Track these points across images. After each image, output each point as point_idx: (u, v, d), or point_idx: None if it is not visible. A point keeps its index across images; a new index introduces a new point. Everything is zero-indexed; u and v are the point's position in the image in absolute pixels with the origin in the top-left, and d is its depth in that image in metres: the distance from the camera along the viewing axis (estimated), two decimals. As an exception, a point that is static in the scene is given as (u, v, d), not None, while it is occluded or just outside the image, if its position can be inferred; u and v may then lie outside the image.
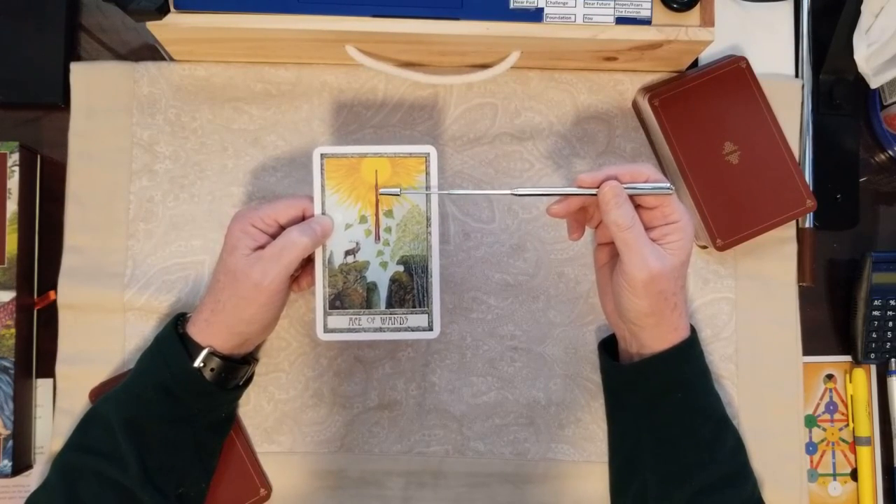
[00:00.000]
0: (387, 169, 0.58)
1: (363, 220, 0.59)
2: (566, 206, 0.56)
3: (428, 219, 0.59)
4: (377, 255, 0.59)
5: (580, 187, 0.54)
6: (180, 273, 0.66)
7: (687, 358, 0.57)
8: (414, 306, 0.59)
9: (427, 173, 0.58)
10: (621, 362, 0.60)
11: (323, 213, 0.58)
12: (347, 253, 0.59)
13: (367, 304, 0.59)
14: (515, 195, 0.55)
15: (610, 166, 0.54)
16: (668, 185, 0.53)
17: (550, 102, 0.69)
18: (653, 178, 0.53)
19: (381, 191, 0.58)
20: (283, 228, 0.56)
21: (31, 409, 0.66)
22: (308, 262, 0.60)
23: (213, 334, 0.57)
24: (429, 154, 0.59)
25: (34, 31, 0.68)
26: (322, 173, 0.58)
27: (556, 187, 0.57)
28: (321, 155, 0.58)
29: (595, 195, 0.54)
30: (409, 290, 0.59)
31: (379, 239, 0.59)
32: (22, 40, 0.68)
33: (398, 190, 0.57)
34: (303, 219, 0.58)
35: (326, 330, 0.59)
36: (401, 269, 0.59)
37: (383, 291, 0.59)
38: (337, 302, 0.59)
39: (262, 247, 0.55)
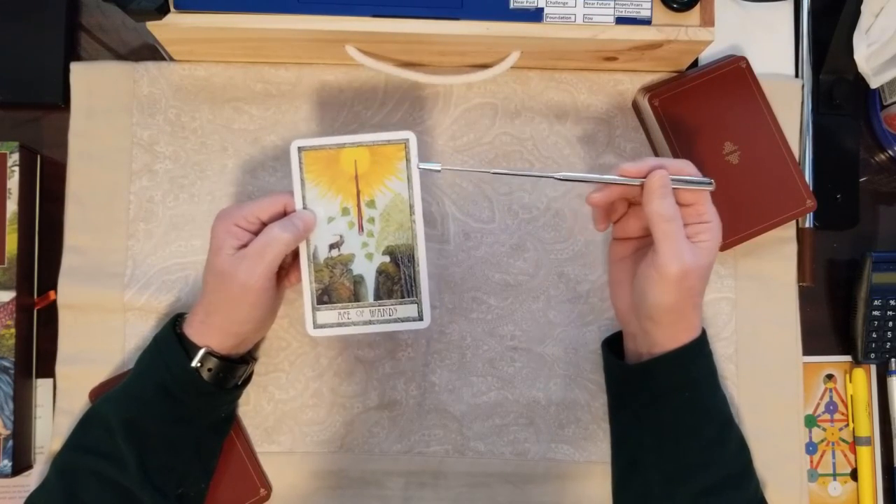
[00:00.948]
0: (366, 158, 0.58)
1: (345, 212, 0.58)
2: (608, 195, 0.56)
3: (411, 206, 0.58)
4: (362, 247, 0.58)
5: (623, 177, 0.54)
6: (180, 273, 0.66)
7: (697, 357, 0.57)
8: (402, 297, 0.58)
9: (407, 160, 0.58)
10: (627, 361, 0.60)
11: (304, 208, 0.58)
12: (332, 246, 0.58)
13: (355, 297, 0.58)
14: (556, 179, 0.55)
15: (651, 158, 0.54)
16: (710, 179, 0.53)
17: (550, 102, 0.69)
18: (691, 175, 0.54)
19: (420, 165, 0.57)
20: (265, 226, 0.56)
21: (31, 409, 0.66)
22: (297, 257, 0.60)
23: (208, 335, 0.57)
24: (408, 140, 0.58)
25: (34, 31, 0.68)
26: (301, 167, 0.57)
27: (598, 175, 0.55)
28: (299, 148, 0.57)
29: (638, 185, 0.54)
30: (396, 280, 0.58)
31: (363, 230, 0.58)
32: (22, 40, 0.68)
33: (439, 165, 0.56)
34: (285, 214, 0.58)
35: (316, 326, 0.58)
36: (387, 259, 0.58)
37: (370, 283, 0.58)
38: (325, 297, 0.58)
39: (246, 245, 0.55)
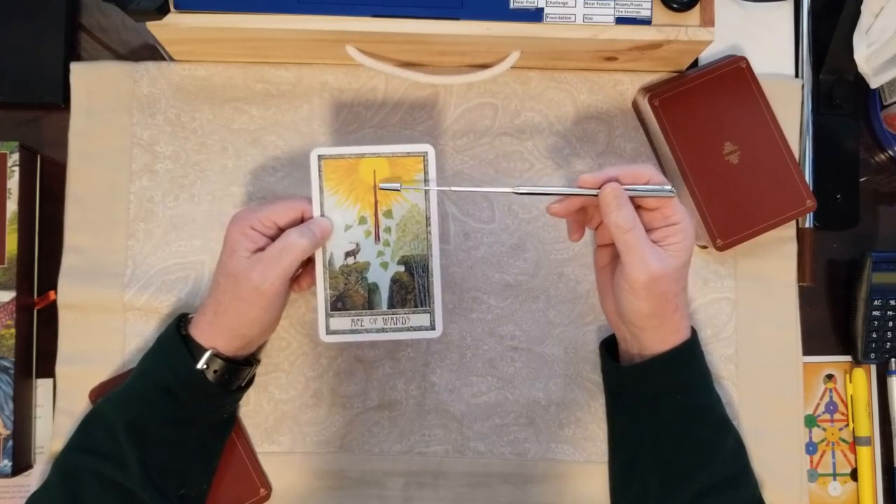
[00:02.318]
0: (385, 169, 0.58)
1: (362, 220, 0.59)
2: (567, 206, 0.56)
3: (427, 218, 0.59)
4: (377, 256, 0.59)
5: (581, 187, 0.54)
6: (180, 273, 0.66)
7: (687, 359, 0.57)
8: (416, 306, 0.59)
9: (425, 172, 0.58)
10: (622, 363, 0.60)
11: (322, 215, 0.58)
12: (348, 254, 0.59)
13: (369, 304, 0.59)
14: (516, 193, 0.55)
15: (612, 167, 0.54)
16: (670, 187, 0.53)
17: (550, 102, 0.69)
18: (654, 180, 0.53)
19: (380, 186, 0.57)
20: (281, 230, 0.56)
21: (31, 409, 0.66)
22: (308, 263, 0.60)
23: (215, 336, 0.57)
24: (427, 153, 0.58)
25: (34, 31, 0.68)
26: (320, 175, 0.58)
27: (557, 187, 0.57)
28: (318, 156, 0.58)
29: (596, 196, 0.53)
30: (410, 289, 0.59)
31: (379, 239, 0.59)
32: (22, 40, 0.68)
33: (398, 185, 0.57)
34: (302, 220, 0.58)
35: (329, 332, 0.59)
36: (401, 269, 0.59)
37: (384, 292, 0.59)
38: (339, 304, 0.59)
39: (261, 249, 0.55)
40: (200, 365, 0.56)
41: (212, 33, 0.61)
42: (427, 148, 0.58)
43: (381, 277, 0.59)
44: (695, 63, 0.70)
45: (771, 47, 0.71)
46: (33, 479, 0.65)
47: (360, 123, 0.68)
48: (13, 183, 0.64)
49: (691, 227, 0.54)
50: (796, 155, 0.68)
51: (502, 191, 0.57)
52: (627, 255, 0.52)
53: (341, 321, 0.59)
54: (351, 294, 0.59)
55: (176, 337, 0.57)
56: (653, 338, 0.56)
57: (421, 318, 0.59)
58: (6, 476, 0.62)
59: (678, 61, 0.67)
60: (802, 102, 0.70)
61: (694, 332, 0.58)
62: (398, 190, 0.58)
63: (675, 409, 0.57)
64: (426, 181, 0.58)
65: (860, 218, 0.72)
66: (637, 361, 0.57)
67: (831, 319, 0.72)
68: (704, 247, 0.68)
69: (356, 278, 0.59)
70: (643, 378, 0.57)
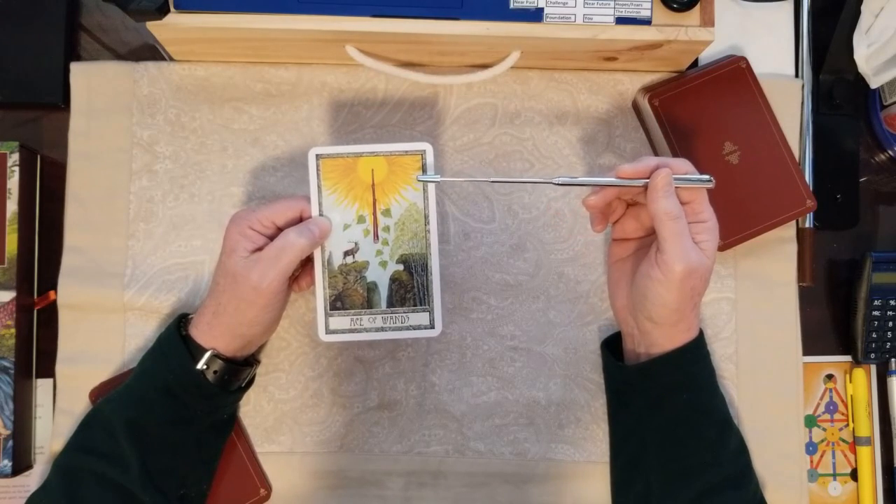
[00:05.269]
0: (383, 168, 0.58)
1: (361, 219, 0.59)
2: (604, 197, 0.56)
3: (426, 216, 0.59)
4: (376, 255, 0.59)
5: (620, 178, 0.54)
6: (180, 273, 0.66)
7: (695, 358, 0.57)
8: (415, 305, 0.59)
9: (423, 171, 0.58)
10: (626, 362, 0.60)
11: (320, 214, 0.58)
12: (346, 253, 0.59)
13: (368, 304, 0.59)
14: (556, 184, 0.55)
15: (649, 157, 0.54)
16: (709, 177, 0.53)
17: (550, 102, 0.69)
18: (691, 174, 0.54)
19: (418, 177, 0.58)
20: (280, 230, 0.56)
21: (31, 409, 0.66)
22: (308, 262, 0.60)
23: (215, 337, 0.57)
24: (425, 151, 0.58)
25: (34, 31, 0.68)
26: (318, 174, 0.58)
27: (597, 177, 0.55)
28: (317, 156, 0.58)
29: (641, 186, 0.53)
30: (409, 288, 0.59)
31: (377, 238, 0.59)
32: (22, 40, 0.68)
33: (438, 177, 0.57)
34: (300, 220, 0.58)
35: (328, 331, 0.59)
36: (400, 267, 0.59)
37: (384, 291, 0.59)
38: (338, 303, 0.59)
39: (260, 249, 0.55)
40: (200, 365, 0.56)
41: (212, 33, 0.61)
42: (425, 146, 0.58)
43: (380, 276, 0.59)
44: (695, 63, 0.70)
45: (771, 47, 0.71)
46: (33, 479, 0.65)
47: (360, 123, 0.68)
48: (13, 183, 0.64)
49: (717, 228, 0.54)
50: (796, 155, 0.68)
51: (540, 181, 0.56)
52: (670, 243, 0.52)
53: (340, 320, 0.59)
54: (350, 293, 0.59)
55: (176, 337, 0.57)
56: (665, 335, 0.55)
57: (420, 317, 0.59)
58: (6, 476, 0.62)
59: (678, 61, 0.67)
60: (802, 102, 0.70)
61: (701, 331, 0.58)
62: (437, 182, 0.58)
63: (681, 408, 0.57)
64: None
65: (860, 218, 0.72)
66: (643, 360, 0.57)
67: (831, 319, 0.72)
68: (704, 247, 0.68)
69: (355, 277, 0.59)
70: (650, 377, 0.57)
